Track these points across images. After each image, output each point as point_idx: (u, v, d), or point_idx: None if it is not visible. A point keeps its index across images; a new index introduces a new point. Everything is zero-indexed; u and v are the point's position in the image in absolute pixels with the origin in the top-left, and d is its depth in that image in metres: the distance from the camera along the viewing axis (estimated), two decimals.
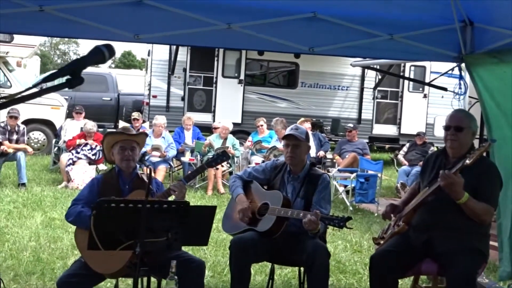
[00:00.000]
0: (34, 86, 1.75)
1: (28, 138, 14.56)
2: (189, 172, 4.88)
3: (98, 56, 1.89)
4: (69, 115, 15.05)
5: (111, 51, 1.91)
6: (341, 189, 10.98)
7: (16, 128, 11.30)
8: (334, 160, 12.31)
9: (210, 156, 4.58)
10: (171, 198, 4.43)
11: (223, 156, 4.62)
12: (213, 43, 5.65)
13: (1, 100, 1.63)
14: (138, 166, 4.81)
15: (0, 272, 5.90)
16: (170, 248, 3.98)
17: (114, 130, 6.05)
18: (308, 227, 4.44)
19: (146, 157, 10.91)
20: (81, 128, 12.15)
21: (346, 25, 5.11)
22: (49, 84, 1.89)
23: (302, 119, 12.84)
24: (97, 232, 3.65)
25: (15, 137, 11.23)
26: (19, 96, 1.64)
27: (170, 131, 12.80)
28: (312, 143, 11.89)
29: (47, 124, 15.27)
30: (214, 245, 7.26)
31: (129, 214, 3.56)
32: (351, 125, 13.25)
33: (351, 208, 10.39)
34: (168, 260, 3.70)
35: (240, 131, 15.44)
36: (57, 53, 76.20)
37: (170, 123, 13.72)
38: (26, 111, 14.37)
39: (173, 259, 3.70)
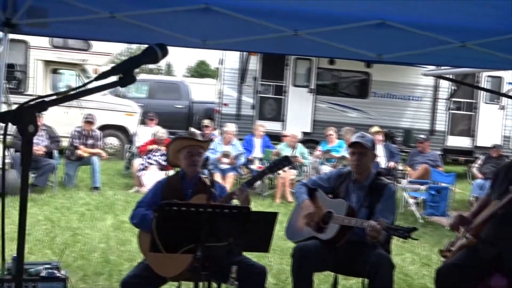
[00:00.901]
0: (85, 84, 1.78)
1: (103, 143, 15.01)
2: (251, 177, 4.87)
3: (151, 56, 1.91)
4: (142, 122, 15.38)
5: (164, 51, 1.93)
6: (411, 201, 10.73)
7: (92, 133, 11.64)
8: (405, 172, 12.06)
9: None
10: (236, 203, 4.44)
11: (284, 161, 4.59)
12: (280, 49, 5.64)
13: (52, 96, 1.66)
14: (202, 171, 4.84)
15: (70, 272, 6.06)
16: (231, 253, 4.00)
17: (182, 135, 6.13)
18: (370, 232, 4.35)
19: (211, 163, 11.02)
20: (153, 134, 12.39)
21: (415, 32, 4.99)
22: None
23: (376, 128, 12.66)
24: (158, 234, 3.70)
25: (90, 141, 11.58)
26: (68, 94, 1.67)
27: (239, 139, 12.89)
28: (382, 153, 11.71)
29: (122, 130, 15.66)
30: (279, 253, 7.23)
31: (190, 218, 3.58)
32: (423, 136, 12.96)
33: (421, 221, 10.13)
34: (229, 265, 3.70)
35: (310, 140, 15.35)
36: None
37: (241, 131, 13.81)
38: (101, 117, 14.80)
39: (234, 264, 3.70)
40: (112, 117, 15.52)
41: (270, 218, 3.90)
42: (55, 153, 10.92)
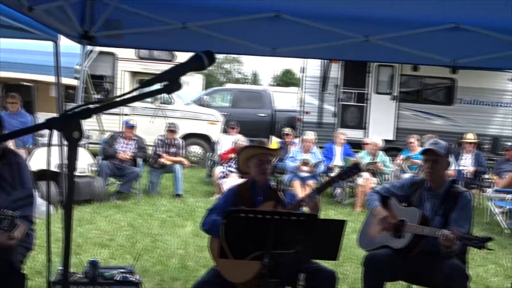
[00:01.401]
0: (133, 91, 1.83)
1: (187, 151, 15.33)
2: (320, 184, 4.84)
3: (198, 63, 1.94)
4: (224, 130, 15.59)
5: (211, 58, 1.95)
6: (497, 210, 10.32)
7: (174, 142, 11.92)
8: (492, 180, 11.62)
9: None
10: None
11: (354, 168, 4.53)
12: (350, 56, 5.59)
13: (99, 103, 1.72)
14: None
15: (148, 277, 6.22)
16: (299, 260, 3.98)
17: (252, 143, 6.19)
18: (443, 242, 4.22)
19: (291, 171, 11.01)
20: (234, 142, 12.53)
21: (491, 35, 4.82)
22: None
23: (471, 136, 12.31)
24: (226, 241, 3.74)
25: (173, 150, 11.84)
26: (112, 101, 1.72)
27: (320, 147, 12.83)
28: (470, 162, 11.37)
29: (205, 138, 15.93)
30: (356, 262, 7.12)
31: (257, 225, 3.60)
32: (510, 143, 12.45)
33: (507, 231, 9.72)
34: (297, 272, 3.70)
35: (393, 148, 15.06)
36: (221, 72, 79.37)
37: (322, 139, 13.75)
38: (185, 126, 15.15)
39: (303, 271, 3.69)
40: (195, 126, 15.84)
41: (338, 226, 3.86)
42: (139, 161, 11.24)
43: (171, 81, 1.87)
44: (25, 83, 11.25)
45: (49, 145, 1.68)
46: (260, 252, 3.62)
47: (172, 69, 1.89)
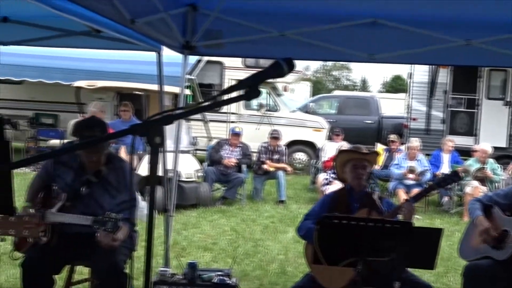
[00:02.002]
0: (212, 98, 1.90)
1: (292, 158, 15.42)
2: (418, 191, 4.74)
3: (278, 70, 1.98)
4: (330, 137, 15.54)
5: (290, 65, 1.99)
6: None
7: (278, 148, 12.04)
8: None
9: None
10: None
11: (454, 176, 4.41)
12: (450, 60, 5.46)
13: (180, 110, 1.80)
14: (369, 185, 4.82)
15: (247, 281, 6.33)
16: (394, 268, 3.93)
17: (347, 148, 6.14)
18: None
19: (396, 178, 10.80)
20: (337, 149, 12.46)
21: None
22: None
23: None
24: (320, 246, 3.76)
25: (276, 156, 11.97)
26: (193, 108, 1.80)
27: (428, 154, 12.52)
28: None
29: (310, 145, 15.95)
30: (460, 272, 6.89)
31: (351, 231, 3.59)
32: None
33: None
34: (392, 281, 3.66)
35: (506, 156, 14.43)
36: (329, 79, 79.10)
37: (429, 146, 13.42)
38: (290, 133, 15.27)
39: (398, 280, 3.64)
40: (300, 133, 15.91)
41: (434, 235, 3.77)
42: (244, 167, 11.45)
43: (251, 88, 1.93)
44: (136, 92, 11.77)
45: (132, 151, 1.77)
46: (353, 259, 3.61)
47: (252, 76, 1.95)
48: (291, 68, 2.01)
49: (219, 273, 4.83)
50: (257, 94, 1.93)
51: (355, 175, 4.59)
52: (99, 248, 3.95)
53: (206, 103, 1.84)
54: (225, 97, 1.91)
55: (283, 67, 1.99)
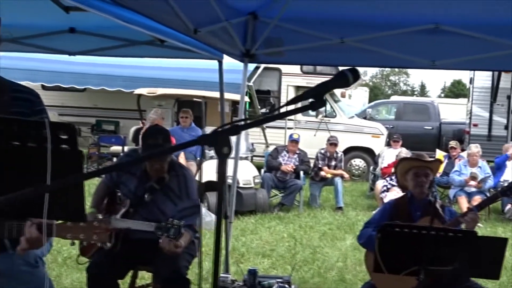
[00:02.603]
0: (278, 108, 1.92)
1: (349, 164, 15.32)
2: (482, 200, 4.64)
3: (343, 80, 1.98)
4: (388, 143, 15.37)
5: (355, 75, 1.99)
6: None
7: (335, 155, 11.99)
8: None
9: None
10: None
11: None
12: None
13: (248, 120, 1.83)
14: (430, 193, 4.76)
15: None
16: (457, 278, 3.87)
17: (409, 156, 6.08)
18: None
19: (457, 185, 10.60)
20: (396, 156, 12.32)
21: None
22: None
23: None
24: (381, 255, 3.73)
25: (333, 163, 11.92)
26: (260, 118, 1.83)
27: (490, 161, 12.25)
28: None
29: (368, 151, 15.81)
30: None
31: (413, 240, 3.56)
32: None
33: None
34: None
35: None
36: (387, 84, 78.20)
37: (491, 153, 13.10)
38: (348, 139, 15.17)
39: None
40: (358, 139, 15.79)
41: (499, 244, 3.69)
42: (302, 174, 11.45)
43: (316, 98, 1.94)
44: (196, 99, 11.92)
45: (200, 162, 1.81)
46: (415, 268, 3.57)
47: (317, 86, 1.96)
48: (356, 78, 2.01)
49: (279, 280, 4.84)
50: (322, 104, 1.93)
51: (416, 183, 4.54)
52: (161, 254, 4.03)
53: (272, 114, 1.87)
54: (288, 107, 1.93)
55: (348, 77, 1.99)
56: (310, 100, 1.95)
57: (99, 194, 4.58)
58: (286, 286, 4.75)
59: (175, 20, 3.67)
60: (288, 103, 1.97)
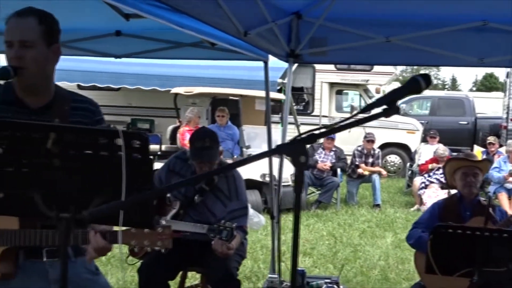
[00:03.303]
0: (352, 117, 1.92)
1: (384, 161, 15.21)
2: None
3: (415, 86, 1.97)
4: (424, 139, 15.22)
5: (427, 81, 1.97)
6: None
7: (372, 152, 11.92)
8: None
9: None
10: None
11: None
12: None
13: (321, 129, 1.83)
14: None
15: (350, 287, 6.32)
16: None
17: (457, 155, 6.02)
18: None
19: (496, 182, 10.48)
20: (434, 152, 12.21)
21: None
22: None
23: None
24: (433, 256, 3.71)
25: (370, 160, 11.86)
26: (335, 126, 1.82)
27: None
28: None
29: (403, 148, 15.68)
30: None
31: (466, 241, 3.53)
32: None
33: None
34: None
35: None
36: None
37: None
38: (383, 135, 15.04)
39: None
40: (393, 135, 15.67)
41: None
42: (339, 171, 11.41)
43: (389, 105, 1.93)
44: (232, 97, 11.95)
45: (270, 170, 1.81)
46: (469, 269, 3.54)
47: (389, 94, 1.95)
48: (428, 84, 2.00)
49: (327, 280, 4.84)
50: (395, 111, 1.92)
51: (465, 183, 4.50)
52: (212, 255, 4.05)
53: (346, 122, 1.86)
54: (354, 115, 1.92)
55: (420, 82, 1.97)
56: (383, 107, 1.95)
57: None
58: (335, 286, 4.74)
59: (226, 23, 3.69)
60: (362, 110, 1.96)
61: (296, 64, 5.70)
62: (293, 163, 1.79)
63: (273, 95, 10.19)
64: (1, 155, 2.09)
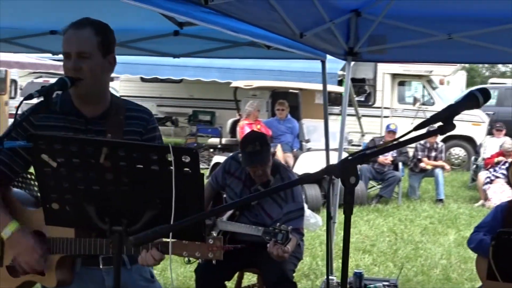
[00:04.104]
0: (407, 134, 1.85)
1: (448, 153, 14.83)
2: None
3: (472, 101, 1.91)
4: (489, 132, 14.76)
5: (486, 96, 1.90)
6: None
7: (435, 146, 11.66)
8: None
9: None
10: None
11: None
12: None
13: (376, 148, 1.79)
14: None
15: (410, 287, 6.20)
16: None
17: None
18: None
19: None
20: (500, 146, 11.85)
21: None
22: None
23: None
24: (496, 262, 3.61)
25: (433, 154, 11.60)
26: (387, 146, 1.77)
27: None
28: None
29: (468, 140, 15.25)
30: None
31: None
32: None
33: None
34: None
35: None
36: (485, 66, 75.18)
37: None
38: None
39: None
40: (458, 127, 14.98)
41: None
42: (400, 165, 11.22)
43: (444, 121, 1.87)
44: (291, 91, 11.90)
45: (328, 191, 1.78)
46: None
47: (445, 109, 1.89)
48: (486, 99, 1.92)
49: (386, 283, 4.76)
50: (451, 127, 1.86)
51: None
52: (268, 257, 4.04)
53: (399, 140, 1.81)
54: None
55: (478, 98, 1.90)
56: (439, 124, 1.89)
57: (205, 196, 4.65)
58: None
59: (281, 26, 3.66)
60: (417, 127, 1.90)
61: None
62: (343, 184, 1.75)
63: (333, 88, 10.09)
64: (56, 169, 2.14)
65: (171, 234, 2.12)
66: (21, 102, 2.43)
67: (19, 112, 2.60)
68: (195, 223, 2.16)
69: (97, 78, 2.54)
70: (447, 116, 1.89)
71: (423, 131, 1.93)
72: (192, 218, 1.96)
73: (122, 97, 2.84)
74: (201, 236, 2.25)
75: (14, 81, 17.54)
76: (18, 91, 18.15)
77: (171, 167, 2.04)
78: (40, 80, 19.58)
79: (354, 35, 5.06)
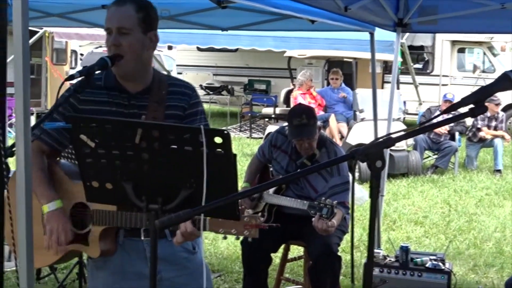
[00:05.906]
0: (430, 120, 1.83)
1: (509, 123, 14.40)
2: None
3: (506, 83, 1.86)
4: None
5: None
6: None
7: (496, 115, 11.34)
8: None
9: None
10: None
11: None
12: None
13: (402, 132, 1.77)
14: None
15: (461, 260, 6.13)
16: None
17: None
18: None
19: None
20: None
21: None
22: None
23: None
24: None
25: (493, 123, 11.30)
26: (415, 129, 1.76)
27: None
28: None
29: None
30: None
31: None
32: None
33: None
34: None
35: None
36: None
37: None
38: (508, 96, 14.23)
39: None
40: None
41: None
42: (457, 135, 11.00)
43: (476, 104, 1.84)
44: (346, 59, 11.75)
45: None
46: None
47: (477, 92, 1.85)
48: None
49: (432, 257, 4.72)
50: (483, 110, 1.83)
51: None
52: (313, 231, 4.06)
53: (428, 123, 1.79)
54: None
55: (511, 79, 1.85)
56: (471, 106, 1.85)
57: (252, 169, 4.72)
58: (440, 264, 4.62)
59: (324, 1, 3.62)
60: (447, 110, 1.88)
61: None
62: (369, 168, 1.75)
63: (386, 57, 9.90)
64: (94, 149, 2.21)
65: (202, 214, 2.16)
66: (62, 83, 2.50)
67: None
68: (229, 203, 2.21)
69: (137, 55, 2.58)
70: (479, 98, 1.85)
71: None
72: (218, 202, 2.00)
73: (172, 70, 2.87)
74: (235, 215, 2.29)
75: (74, 52, 17.94)
76: (79, 61, 18.57)
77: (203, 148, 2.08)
78: (100, 50, 19.93)
79: (404, 5, 4.97)
